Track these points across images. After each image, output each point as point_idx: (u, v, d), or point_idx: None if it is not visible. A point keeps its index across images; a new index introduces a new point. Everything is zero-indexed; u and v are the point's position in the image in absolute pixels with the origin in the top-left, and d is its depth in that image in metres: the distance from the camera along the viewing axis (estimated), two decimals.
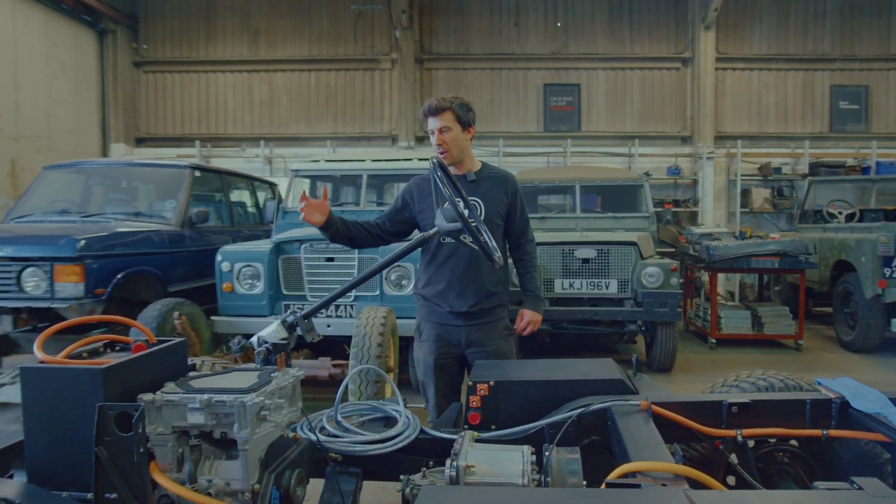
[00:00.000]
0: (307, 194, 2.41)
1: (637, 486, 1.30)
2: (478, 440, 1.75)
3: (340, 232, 2.56)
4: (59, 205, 5.55)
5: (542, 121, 11.34)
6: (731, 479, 1.91)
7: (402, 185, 2.89)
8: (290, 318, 1.89)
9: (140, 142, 11.56)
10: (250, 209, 7.19)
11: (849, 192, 8.87)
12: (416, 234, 2.78)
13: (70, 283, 4.29)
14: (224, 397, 1.44)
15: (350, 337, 3.90)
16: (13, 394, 4.05)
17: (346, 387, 1.92)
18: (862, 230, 6.85)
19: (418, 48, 11.18)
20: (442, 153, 2.56)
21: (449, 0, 11.27)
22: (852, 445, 1.83)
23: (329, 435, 1.79)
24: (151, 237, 5.07)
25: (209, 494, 1.44)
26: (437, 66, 11.39)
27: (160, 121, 11.64)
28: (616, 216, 6.56)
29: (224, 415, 1.45)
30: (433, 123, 2.56)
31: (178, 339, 1.72)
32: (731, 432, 1.82)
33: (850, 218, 7.89)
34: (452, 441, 1.71)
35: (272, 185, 7.64)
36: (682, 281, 6.76)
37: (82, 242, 4.35)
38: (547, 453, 1.59)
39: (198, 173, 5.90)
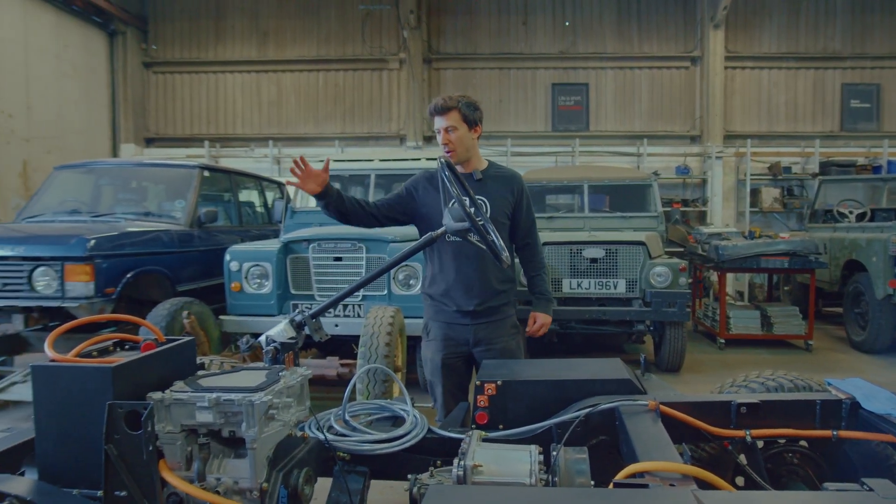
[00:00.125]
0: (305, 161, 2.39)
1: (645, 486, 1.30)
2: (485, 440, 1.75)
3: (333, 203, 2.50)
4: (70, 205, 5.59)
5: (551, 120, 11.32)
6: (739, 480, 1.91)
7: None
8: (299, 318, 1.89)
9: (150, 142, 11.63)
10: (259, 209, 7.22)
11: (860, 191, 8.78)
12: (412, 228, 2.78)
13: (80, 283, 4.32)
14: (232, 396, 1.45)
15: (358, 336, 3.91)
16: (24, 392, 4.09)
17: (354, 386, 1.92)
18: (873, 230, 6.79)
19: (426, 48, 11.19)
20: (448, 152, 2.56)
21: (457, 0, 11.27)
22: (863, 446, 1.81)
23: (337, 434, 1.79)
24: (161, 237, 5.10)
25: (217, 493, 1.45)
26: (445, 65, 11.39)
27: (169, 121, 11.71)
28: (624, 216, 6.53)
29: (232, 413, 1.46)
30: (439, 122, 2.56)
31: (186, 339, 1.73)
32: (740, 433, 1.81)
33: (860, 217, 7.82)
34: (460, 440, 1.71)
35: (280, 185, 7.67)
36: (690, 281, 6.73)
37: (92, 242, 4.38)
38: (555, 453, 1.59)
39: (207, 173, 5.93)
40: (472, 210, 2.18)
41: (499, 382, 1.97)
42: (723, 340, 6.86)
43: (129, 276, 4.65)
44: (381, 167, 5.69)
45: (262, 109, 11.57)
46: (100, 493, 1.39)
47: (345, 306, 4.84)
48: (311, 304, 3.30)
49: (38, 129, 9.13)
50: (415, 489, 1.64)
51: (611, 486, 1.33)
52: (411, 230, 2.83)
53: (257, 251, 4.96)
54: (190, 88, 11.67)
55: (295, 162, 2.38)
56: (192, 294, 5.11)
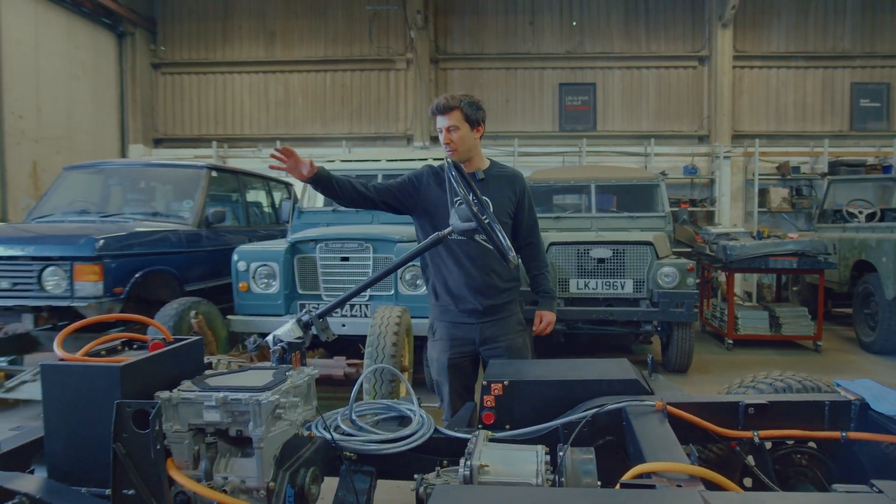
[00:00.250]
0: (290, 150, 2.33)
1: (652, 486, 1.30)
2: (492, 440, 1.75)
3: (323, 184, 2.44)
4: (79, 205, 5.62)
5: (558, 120, 11.30)
6: (747, 481, 1.90)
7: None
8: (306, 318, 1.90)
9: (158, 142, 11.69)
10: (266, 209, 7.24)
11: (869, 191, 8.72)
12: (409, 221, 2.76)
13: (89, 282, 4.35)
14: (240, 395, 1.45)
15: (365, 336, 3.91)
16: (34, 391, 4.12)
17: (361, 386, 1.92)
18: (883, 230, 6.73)
19: (433, 48, 11.19)
20: (449, 152, 2.55)
21: (464, 0, 11.27)
22: (872, 448, 1.80)
23: (343, 433, 1.79)
24: (169, 237, 5.12)
25: (225, 492, 1.45)
26: (452, 65, 11.39)
27: (178, 122, 11.77)
28: (632, 216, 6.51)
29: (240, 413, 1.46)
30: (441, 122, 2.55)
31: (194, 338, 1.73)
32: (748, 434, 1.80)
33: (870, 217, 7.77)
34: (466, 440, 1.71)
35: (288, 186, 7.69)
36: (698, 281, 6.69)
37: (101, 242, 4.41)
38: (561, 453, 1.59)
39: (214, 173, 5.95)
40: (479, 210, 2.17)
41: (505, 382, 1.97)
42: (731, 341, 6.83)
43: (137, 275, 4.68)
44: (388, 167, 5.70)
45: (269, 110, 11.61)
46: (108, 491, 1.40)
47: (352, 306, 4.85)
48: (319, 304, 3.31)
49: (47, 129, 9.20)
50: (421, 489, 1.65)
51: (618, 486, 1.33)
52: None
53: (265, 251, 4.97)
54: (198, 89, 11.73)
55: (277, 150, 2.31)
56: (200, 294, 5.13)
